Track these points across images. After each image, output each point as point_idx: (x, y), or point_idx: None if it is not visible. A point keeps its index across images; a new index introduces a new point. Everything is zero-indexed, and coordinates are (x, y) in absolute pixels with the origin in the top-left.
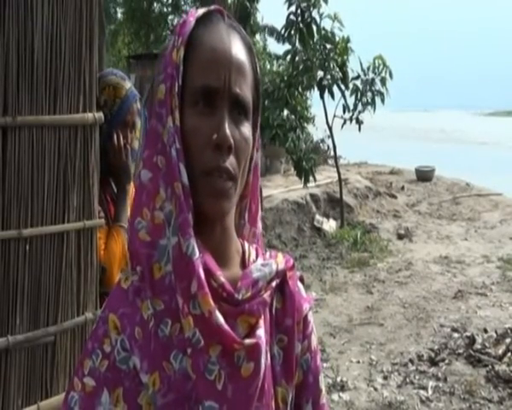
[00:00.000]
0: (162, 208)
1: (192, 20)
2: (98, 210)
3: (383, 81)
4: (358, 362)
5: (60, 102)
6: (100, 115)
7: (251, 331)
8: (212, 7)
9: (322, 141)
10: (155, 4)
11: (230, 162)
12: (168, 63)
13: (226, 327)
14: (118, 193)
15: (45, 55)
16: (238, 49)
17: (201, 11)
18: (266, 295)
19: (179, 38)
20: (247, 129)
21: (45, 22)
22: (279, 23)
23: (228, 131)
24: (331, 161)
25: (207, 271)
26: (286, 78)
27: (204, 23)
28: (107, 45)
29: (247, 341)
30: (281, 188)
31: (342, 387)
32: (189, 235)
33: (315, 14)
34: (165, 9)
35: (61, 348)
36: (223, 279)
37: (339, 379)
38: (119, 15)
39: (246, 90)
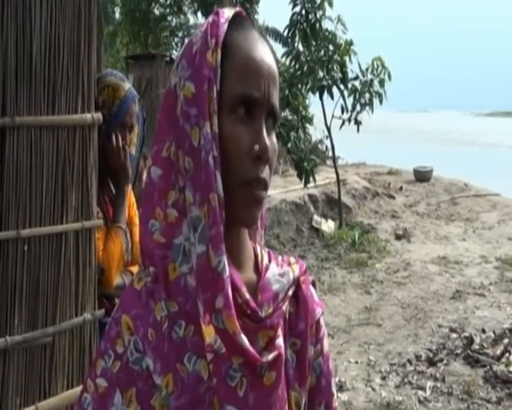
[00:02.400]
0: (175, 205)
1: (224, 22)
2: (97, 211)
3: (381, 83)
4: (357, 362)
5: (58, 102)
6: (98, 116)
7: (270, 342)
8: (238, 9)
9: (321, 141)
10: (153, 4)
11: (266, 173)
12: (202, 64)
13: (251, 349)
14: (116, 194)
15: (44, 55)
16: (271, 60)
17: (230, 13)
18: (284, 306)
19: (212, 39)
20: (275, 138)
21: (44, 23)
22: (278, 24)
23: (268, 142)
24: (329, 162)
25: (233, 286)
26: (287, 78)
27: (236, 27)
28: (106, 46)
29: (271, 356)
30: (279, 188)
31: (340, 387)
32: (221, 251)
33: (319, 15)
34: (163, 11)
35: (60, 348)
36: (248, 296)
37: (337, 380)
38: (118, 16)
39: (277, 101)
